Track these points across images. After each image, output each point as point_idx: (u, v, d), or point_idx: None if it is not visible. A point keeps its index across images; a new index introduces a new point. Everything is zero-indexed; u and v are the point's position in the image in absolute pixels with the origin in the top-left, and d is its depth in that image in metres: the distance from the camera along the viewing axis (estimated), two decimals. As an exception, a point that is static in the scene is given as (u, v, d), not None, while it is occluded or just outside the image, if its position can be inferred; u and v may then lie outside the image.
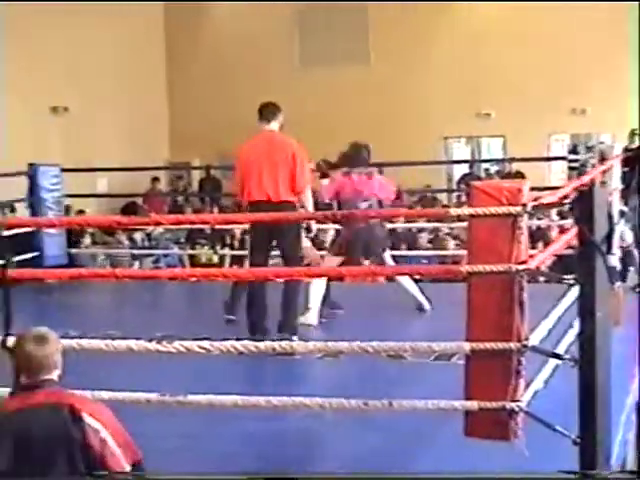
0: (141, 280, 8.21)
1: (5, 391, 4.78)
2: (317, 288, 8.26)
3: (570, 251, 7.08)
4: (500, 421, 4.39)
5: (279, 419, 5.54)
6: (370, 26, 20.53)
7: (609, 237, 4.34)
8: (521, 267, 4.28)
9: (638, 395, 6.20)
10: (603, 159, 8.84)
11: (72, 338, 4.74)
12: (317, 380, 6.51)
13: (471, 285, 4.44)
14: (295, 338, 7.10)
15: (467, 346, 4.41)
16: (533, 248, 7.86)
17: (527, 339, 4.37)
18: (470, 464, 4.67)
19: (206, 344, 4.91)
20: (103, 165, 15.58)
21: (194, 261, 14.32)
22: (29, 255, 11.06)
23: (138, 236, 15.15)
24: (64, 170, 11.41)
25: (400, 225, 12.92)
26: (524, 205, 4.29)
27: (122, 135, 19.58)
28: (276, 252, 7.89)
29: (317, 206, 8.46)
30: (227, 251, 13.47)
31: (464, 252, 10.81)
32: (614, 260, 6.72)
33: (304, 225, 7.95)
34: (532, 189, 4.52)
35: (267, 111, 7.87)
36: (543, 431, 4.36)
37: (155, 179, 19.73)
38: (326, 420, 5.45)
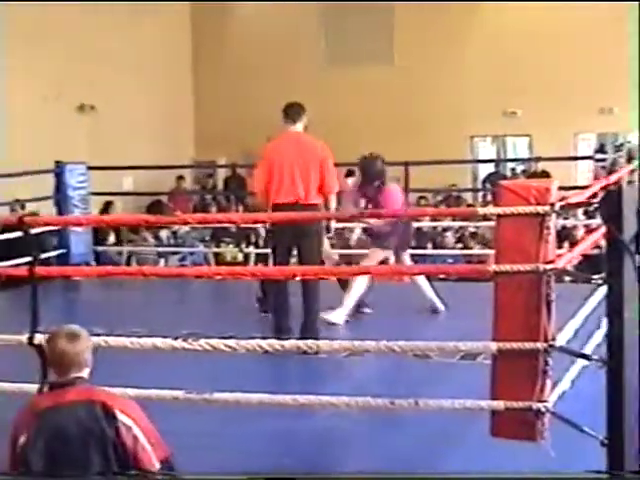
0: (167, 278, 8.22)
1: (33, 387, 4.84)
2: (357, 288, 8.21)
3: (597, 251, 7.07)
4: (527, 421, 4.38)
5: (305, 418, 5.53)
6: (396, 26, 20.49)
7: (638, 236, 4.31)
8: (549, 267, 4.27)
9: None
10: (630, 158, 8.81)
11: (98, 335, 4.76)
12: (343, 379, 6.50)
13: (498, 284, 4.43)
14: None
15: (494, 346, 4.40)
16: (559, 247, 7.82)
17: (554, 339, 4.35)
18: (496, 464, 4.65)
19: (232, 342, 4.92)
20: (129, 163, 15.60)
21: (219, 259, 14.35)
22: (55, 252, 11.14)
23: (164, 234, 15.18)
24: (90, 168, 11.45)
25: (426, 224, 12.90)
26: (552, 205, 4.27)
27: (148, 133, 19.63)
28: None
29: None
30: (252, 249, 13.48)
31: (490, 251, 10.83)
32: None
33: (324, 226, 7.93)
34: (559, 188, 4.50)
35: (293, 111, 7.76)
36: (569, 432, 4.34)
37: (180, 177, 19.76)
38: (352, 419, 5.45)
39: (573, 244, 9.78)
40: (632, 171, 7.83)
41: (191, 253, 14.32)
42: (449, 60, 19.86)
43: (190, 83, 21.83)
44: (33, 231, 5.94)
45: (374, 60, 20.35)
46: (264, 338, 4.87)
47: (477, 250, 12.76)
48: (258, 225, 12.13)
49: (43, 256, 9.61)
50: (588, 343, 5.17)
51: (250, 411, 5.28)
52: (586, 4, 18.01)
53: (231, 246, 13.46)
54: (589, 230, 10.96)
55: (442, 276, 9.39)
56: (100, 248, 12.32)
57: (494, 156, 21.14)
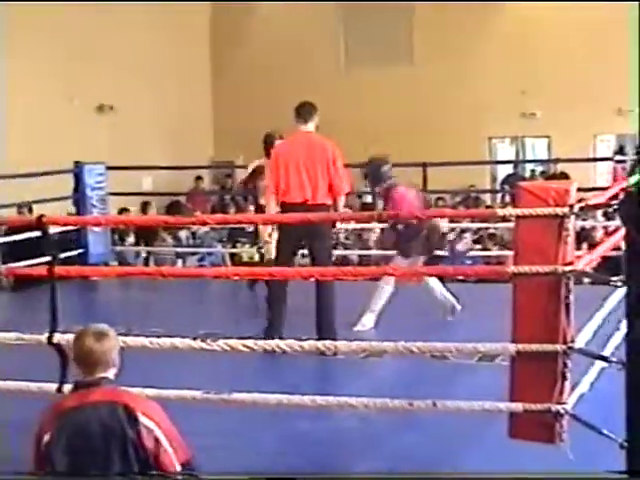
0: (186, 278, 8.23)
1: (52, 387, 4.86)
2: (384, 292, 8.13)
3: (616, 252, 7.04)
4: (545, 423, 4.37)
5: (323, 419, 5.53)
6: (415, 26, 20.47)
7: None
8: (568, 268, 4.25)
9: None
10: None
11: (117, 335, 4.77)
12: (361, 380, 6.49)
13: (517, 286, 4.42)
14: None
15: (513, 347, 4.39)
16: (578, 249, 7.79)
17: (573, 341, 4.34)
18: (515, 466, 4.64)
19: (250, 343, 4.93)
20: (148, 163, 15.64)
21: (235, 259, 14.33)
22: (74, 252, 11.18)
23: (183, 234, 15.20)
24: (109, 168, 11.48)
25: (444, 225, 12.84)
26: (571, 206, 4.26)
27: (167, 134, 19.68)
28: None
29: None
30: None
31: (508, 253, 10.80)
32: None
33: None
34: (578, 190, 4.48)
35: (304, 111, 7.70)
36: (588, 434, 4.32)
37: (199, 178, 19.80)
38: (370, 420, 5.44)
39: (592, 246, 9.75)
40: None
41: (209, 253, 14.32)
42: (468, 61, 19.82)
43: (209, 83, 21.87)
44: (51, 230, 5.97)
45: (393, 60, 20.35)
46: (282, 338, 4.86)
47: (495, 251, 12.72)
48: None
49: (62, 256, 9.68)
50: (607, 345, 5.15)
51: (267, 411, 5.28)
52: (606, 4, 17.94)
53: (247, 246, 13.45)
54: (608, 232, 10.92)
55: (460, 277, 9.36)
56: (118, 248, 12.34)
57: (513, 157, 21.09)
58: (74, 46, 17.17)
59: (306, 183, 7.47)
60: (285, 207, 7.47)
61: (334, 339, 6.72)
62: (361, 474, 4.94)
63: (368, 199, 19.10)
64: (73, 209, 11.48)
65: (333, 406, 4.85)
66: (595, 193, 5.65)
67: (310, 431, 5.50)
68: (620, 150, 19.45)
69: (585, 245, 10.90)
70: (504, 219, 10.03)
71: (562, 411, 4.33)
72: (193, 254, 14.37)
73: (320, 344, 4.80)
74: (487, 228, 13.39)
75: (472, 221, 13.00)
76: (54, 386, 4.88)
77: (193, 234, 15.30)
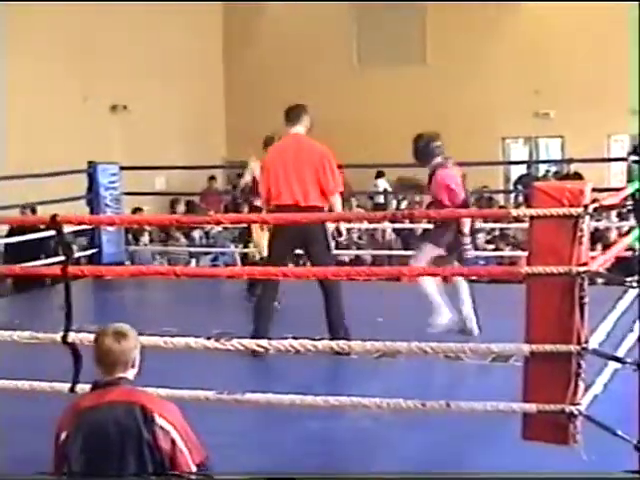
0: (199, 278, 8.23)
1: (64, 386, 4.87)
2: (430, 286, 7.62)
3: (630, 253, 7.02)
4: (559, 424, 4.36)
5: (336, 419, 5.53)
6: (428, 26, 20.46)
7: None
8: (582, 269, 4.24)
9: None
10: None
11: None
12: (374, 380, 6.48)
13: (531, 287, 4.41)
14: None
15: (527, 348, 4.38)
16: (592, 250, 7.76)
17: (587, 342, 4.33)
18: (528, 467, 4.63)
19: (264, 343, 4.93)
20: (161, 163, 15.67)
21: (246, 259, 14.33)
22: (88, 252, 11.21)
23: (196, 234, 15.24)
24: (123, 168, 11.50)
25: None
26: (586, 207, 4.24)
27: (180, 134, 19.72)
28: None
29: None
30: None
31: (521, 253, 10.78)
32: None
33: (332, 229, 7.85)
34: (592, 190, 4.47)
35: (293, 114, 7.70)
36: (602, 435, 4.31)
37: (212, 178, 19.83)
38: (383, 420, 5.44)
39: (606, 246, 9.72)
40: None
41: (222, 253, 14.34)
42: (481, 61, 19.81)
43: (222, 83, 21.90)
44: (65, 230, 5.98)
45: (406, 60, 20.35)
46: (295, 338, 4.86)
47: (508, 252, 12.70)
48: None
49: (75, 255, 9.71)
50: (621, 346, 5.13)
51: (280, 411, 5.28)
52: (619, 4, 17.89)
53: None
54: (622, 233, 10.89)
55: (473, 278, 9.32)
56: (132, 248, 12.37)
57: (526, 157, 21.05)
58: (87, 47, 17.22)
59: (295, 186, 7.42)
60: (276, 210, 7.42)
61: (347, 339, 6.71)
62: (373, 474, 4.93)
63: (380, 199, 19.15)
64: (79, 211, 11.50)
65: (346, 406, 4.85)
66: (609, 193, 5.63)
67: (323, 431, 5.50)
68: (634, 150, 19.39)
69: (599, 246, 10.86)
70: (517, 219, 10.01)
71: (576, 412, 4.31)
72: (206, 254, 14.39)
73: (334, 344, 4.79)
74: (501, 229, 13.37)
75: (485, 221, 12.98)
76: (65, 386, 4.88)
77: (206, 234, 15.33)
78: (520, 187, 18.70)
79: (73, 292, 5.00)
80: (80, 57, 17.11)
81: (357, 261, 13.14)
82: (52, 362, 5.15)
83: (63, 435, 3.61)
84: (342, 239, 8.44)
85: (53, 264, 7.96)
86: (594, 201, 4.39)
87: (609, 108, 18.68)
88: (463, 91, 19.81)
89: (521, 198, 17.54)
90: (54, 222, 5.09)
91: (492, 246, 13.49)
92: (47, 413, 3.89)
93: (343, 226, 8.20)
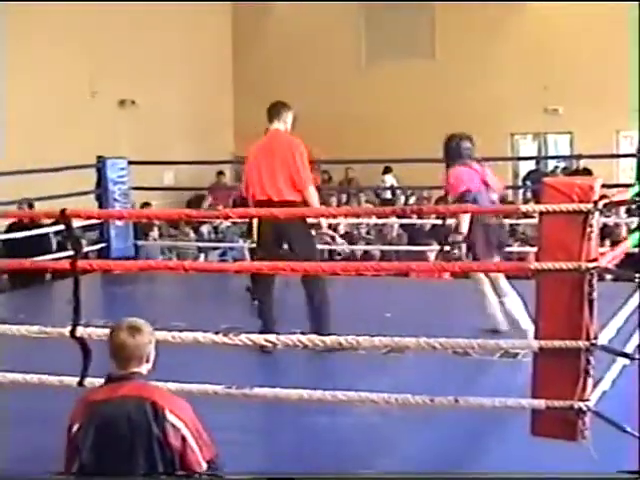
0: (208, 273, 8.24)
1: (72, 380, 4.88)
2: (484, 290, 7.59)
3: (637, 250, 7.00)
4: (568, 420, 4.35)
5: (344, 414, 5.53)
6: (437, 21, 20.43)
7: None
8: (591, 265, 4.23)
9: None
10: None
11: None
12: (382, 376, 6.48)
13: (540, 282, 4.41)
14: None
15: (536, 344, 4.38)
16: (601, 246, 7.74)
17: (596, 338, 4.32)
18: (537, 463, 4.63)
19: (272, 337, 4.93)
20: (170, 158, 15.68)
21: (254, 254, 14.32)
22: (97, 246, 11.23)
23: (205, 229, 15.25)
24: (131, 163, 11.51)
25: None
26: (595, 203, 4.24)
27: (188, 129, 19.72)
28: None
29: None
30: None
31: (530, 249, 10.77)
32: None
33: (314, 223, 7.86)
34: (601, 186, 4.46)
35: (273, 110, 7.79)
36: (610, 431, 4.30)
37: (220, 173, 19.82)
38: (391, 416, 5.43)
39: (615, 242, 9.70)
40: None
41: (231, 248, 14.35)
42: (490, 56, 19.76)
43: (230, 79, 21.89)
44: (74, 224, 5.99)
45: (415, 56, 20.31)
46: (303, 333, 4.86)
47: (517, 247, 12.68)
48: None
49: (84, 250, 9.71)
50: (629, 342, 5.13)
51: (288, 406, 5.28)
52: (618, 4, 17.84)
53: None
54: (631, 229, 10.87)
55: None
56: (140, 242, 12.37)
57: (535, 153, 21.00)
58: (96, 44, 17.23)
59: (267, 181, 7.46)
60: (256, 206, 7.46)
61: (326, 323, 6.91)
62: (378, 473, 4.93)
63: (387, 195, 19.13)
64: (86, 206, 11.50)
65: (354, 401, 4.84)
66: (619, 189, 5.62)
67: (331, 427, 5.50)
68: (642, 146, 19.34)
69: (608, 242, 10.85)
70: (526, 215, 10.00)
71: (585, 408, 4.31)
72: (215, 249, 14.40)
73: (343, 339, 4.78)
74: (511, 224, 13.35)
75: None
76: (74, 380, 4.89)
77: (215, 229, 15.34)
78: (529, 183, 18.64)
79: (81, 286, 5.01)
80: (89, 52, 17.12)
81: (366, 256, 13.13)
82: (57, 357, 5.16)
83: (75, 427, 3.63)
84: (323, 231, 8.34)
85: (59, 259, 7.96)
86: (603, 197, 4.39)
87: (617, 104, 18.60)
88: (471, 87, 19.76)
89: (529, 194, 17.49)
90: (63, 216, 5.09)
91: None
92: (54, 407, 3.89)
93: (324, 221, 8.18)
